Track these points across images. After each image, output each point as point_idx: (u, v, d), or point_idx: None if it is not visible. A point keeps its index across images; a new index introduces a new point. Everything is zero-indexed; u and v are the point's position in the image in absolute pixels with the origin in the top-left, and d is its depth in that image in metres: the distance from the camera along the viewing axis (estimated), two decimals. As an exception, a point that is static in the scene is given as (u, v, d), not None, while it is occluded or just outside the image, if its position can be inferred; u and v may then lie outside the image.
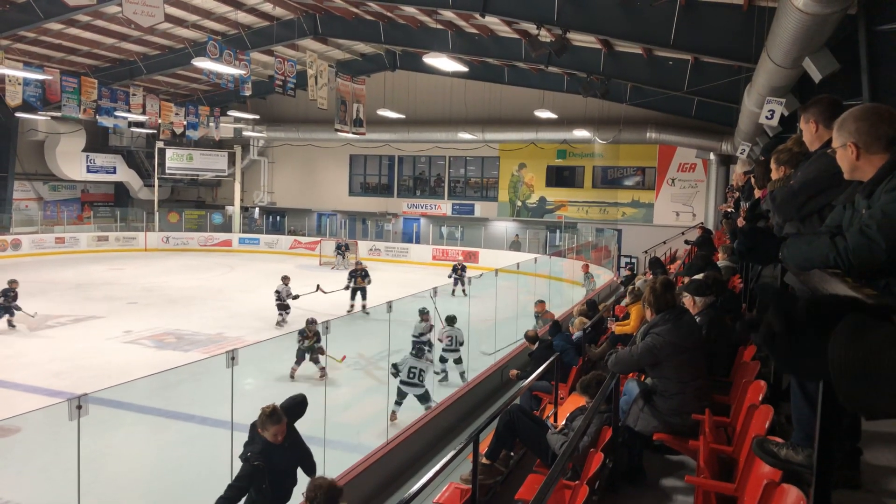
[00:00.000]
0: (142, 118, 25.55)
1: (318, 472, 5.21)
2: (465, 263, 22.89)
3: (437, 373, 10.84)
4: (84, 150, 30.96)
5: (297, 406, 5.43)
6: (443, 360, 11.37)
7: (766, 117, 9.22)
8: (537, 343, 9.01)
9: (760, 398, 3.57)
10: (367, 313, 14.40)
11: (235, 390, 5.92)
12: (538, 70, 22.17)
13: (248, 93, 21.62)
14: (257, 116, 30.05)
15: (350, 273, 17.93)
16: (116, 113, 24.73)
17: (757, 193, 4.99)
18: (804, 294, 2.14)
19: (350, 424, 9.07)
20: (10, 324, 14.57)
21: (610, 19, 12.99)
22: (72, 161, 30.54)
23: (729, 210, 9.71)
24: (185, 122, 27.07)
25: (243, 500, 4.97)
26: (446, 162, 31.11)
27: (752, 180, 5.38)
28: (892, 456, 3.09)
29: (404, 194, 32.18)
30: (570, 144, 27.32)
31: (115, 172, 32.70)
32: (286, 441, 5.14)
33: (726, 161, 23.39)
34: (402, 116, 25.84)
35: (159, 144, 31.78)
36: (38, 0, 18.32)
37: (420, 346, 9.69)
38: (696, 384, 4.26)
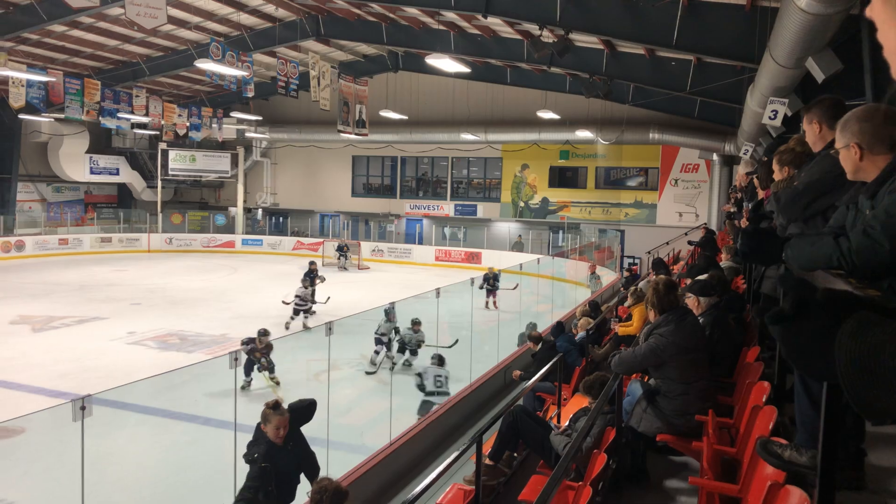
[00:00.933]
0: (145, 119, 25.62)
1: (322, 474, 5.21)
2: (497, 272, 18.63)
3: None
4: (87, 152, 31.03)
5: (304, 409, 5.41)
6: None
7: (769, 118, 9.21)
8: (541, 344, 9.01)
9: (764, 399, 3.57)
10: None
11: (238, 391, 5.94)
12: (541, 71, 22.17)
13: (250, 94, 21.65)
14: (260, 118, 30.10)
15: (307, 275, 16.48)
16: (119, 114, 24.79)
17: (760, 194, 4.99)
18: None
19: (353, 425, 9.09)
20: None
21: (612, 20, 12.99)
22: (75, 162, 30.60)
23: (732, 211, 9.70)
24: (187, 124, 27.16)
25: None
26: (449, 163, 31.13)
27: (755, 181, 5.38)
28: (896, 457, 3.09)
29: (407, 195, 32.21)
30: (572, 145, 27.33)
31: (118, 174, 32.77)
32: (289, 442, 5.14)
33: (729, 161, 23.36)
34: (405, 117, 25.86)
35: (162, 146, 31.83)
36: (41, 2, 18.38)
37: (439, 356, 9.78)
38: (700, 385, 4.26)
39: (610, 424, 4.48)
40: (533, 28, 14.34)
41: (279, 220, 34.13)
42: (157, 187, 32.84)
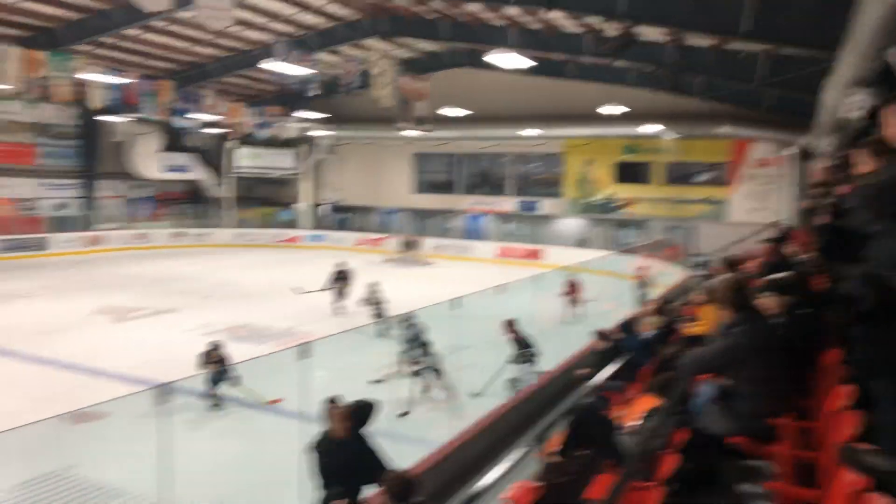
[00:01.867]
0: (213, 119, 26.44)
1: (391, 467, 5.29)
2: (577, 280, 16.72)
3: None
4: (160, 151, 32.26)
5: (365, 408, 5.48)
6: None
7: (850, 110, 8.80)
8: (607, 342, 8.90)
9: (845, 403, 3.44)
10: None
11: (305, 383, 6.08)
12: (604, 65, 21.80)
13: (315, 92, 22.05)
14: (324, 115, 30.62)
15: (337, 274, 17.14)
16: (189, 114, 25.67)
17: (839, 189, 4.79)
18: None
19: (417, 420, 9.18)
20: None
21: (679, 10, 12.62)
22: (148, 161, 31.85)
23: (809, 207, 9.32)
24: (254, 123, 27.89)
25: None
26: (510, 159, 30.98)
27: (834, 176, 5.16)
28: None
29: (467, 191, 32.23)
30: (638, 140, 26.77)
31: (189, 171, 33.95)
32: (352, 437, 5.23)
33: (805, 156, 22.42)
34: (466, 114, 25.85)
35: (230, 144, 32.84)
36: (116, 8, 19.19)
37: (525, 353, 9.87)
38: (774, 387, 4.12)
39: (679, 425, 4.39)
40: (596, 21, 14.09)
41: (343, 216, 34.71)
42: (225, 184, 33.91)
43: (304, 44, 21.64)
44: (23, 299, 17.91)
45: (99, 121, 28.82)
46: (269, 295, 18.77)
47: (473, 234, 31.51)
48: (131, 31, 21.57)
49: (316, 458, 5.13)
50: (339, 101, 31.12)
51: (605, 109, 22.54)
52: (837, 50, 9.42)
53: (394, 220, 33.17)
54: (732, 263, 10.81)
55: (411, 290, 17.97)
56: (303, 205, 34.82)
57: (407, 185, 33.48)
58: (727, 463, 4.15)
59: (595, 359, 9.21)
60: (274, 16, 21.13)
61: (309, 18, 21.51)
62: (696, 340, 7.37)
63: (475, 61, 26.05)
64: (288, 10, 20.75)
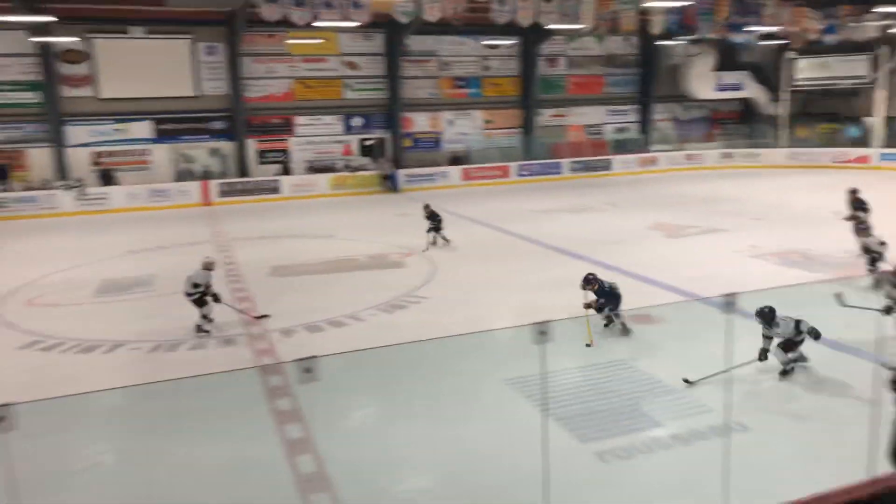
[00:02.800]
0: (773, 29, 24.73)
1: None
2: None
3: None
4: (713, 70, 32.01)
5: None
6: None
7: None
8: None
9: None
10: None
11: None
12: None
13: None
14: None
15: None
16: (746, 28, 24.57)
17: None
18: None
19: None
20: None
21: None
22: (702, 81, 32.00)
23: None
24: (819, 27, 25.02)
25: None
26: None
27: None
28: None
29: None
30: None
31: (742, 89, 32.88)
32: None
33: None
34: None
35: (789, 55, 30.32)
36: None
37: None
38: None
39: None
40: None
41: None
42: (781, 100, 31.72)
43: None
44: (593, 212, 20.69)
45: (657, 46, 30.23)
46: (828, 221, 16.98)
47: None
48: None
49: None
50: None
51: None
52: None
53: None
54: None
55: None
56: (876, 119, 30.00)
57: None
58: None
59: None
60: None
61: None
62: None
63: None
64: None
